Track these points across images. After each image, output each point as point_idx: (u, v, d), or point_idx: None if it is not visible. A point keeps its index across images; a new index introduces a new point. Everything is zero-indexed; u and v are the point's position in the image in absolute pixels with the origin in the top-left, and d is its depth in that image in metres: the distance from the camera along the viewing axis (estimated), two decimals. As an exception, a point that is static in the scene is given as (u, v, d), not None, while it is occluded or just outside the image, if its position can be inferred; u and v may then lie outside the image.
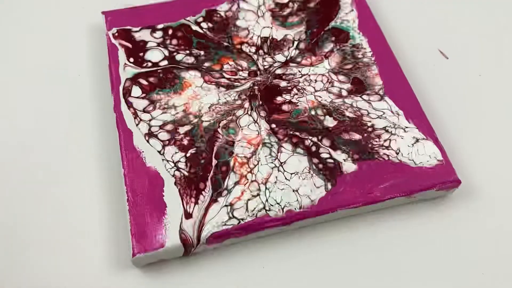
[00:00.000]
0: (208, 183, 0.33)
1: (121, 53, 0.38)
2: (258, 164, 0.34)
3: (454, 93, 0.41)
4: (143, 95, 0.36)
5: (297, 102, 0.37)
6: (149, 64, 0.38)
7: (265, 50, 0.39)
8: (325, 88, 0.38)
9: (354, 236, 0.34)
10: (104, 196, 0.35)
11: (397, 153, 0.34)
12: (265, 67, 0.39)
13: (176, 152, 0.34)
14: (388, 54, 0.39)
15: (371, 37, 0.40)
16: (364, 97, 0.37)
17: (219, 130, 0.35)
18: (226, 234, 0.31)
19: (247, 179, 0.33)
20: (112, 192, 0.35)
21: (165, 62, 0.38)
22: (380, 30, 0.41)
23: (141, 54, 0.38)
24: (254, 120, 0.36)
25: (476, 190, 0.36)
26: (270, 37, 0.40)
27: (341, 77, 0.38)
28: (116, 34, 0.39)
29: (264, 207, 0.32)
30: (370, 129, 0.36)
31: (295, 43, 0.40)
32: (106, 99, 0.39)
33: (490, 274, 0.33)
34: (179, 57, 0.38)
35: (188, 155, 0.34)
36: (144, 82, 0.37)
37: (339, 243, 0.33)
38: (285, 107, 0.36)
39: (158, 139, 0.34)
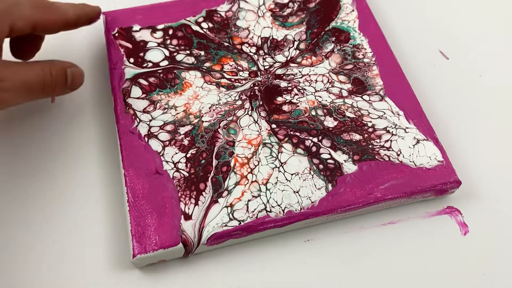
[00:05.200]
0: (209, 183, 0.33)
1: (121, 53, 0.38)
2: (258, 164, 0.34)
3: (454, 94, 0.41)
4: (143, 95, 0.36)
5: (298, 103, 0.37)
6: (150, 64, 0.38)
7: (266, 50, 0.39)
8: (326, 89, 0.37)
9: (354, 237, 0.34)
10: (104, 197, 0.35)
11: (398, 155, 0.34)
12: (266, 67, 0.38)
13: (176, 153, 0.34)
14: (389, 55, 0.39)
15: (371, 37, 0.40)
16: (365, 97, 0.37)
17: (220, 130, 0.35)
18: (226, 235, 0.31)
19: (248, 180, 0.33)
20: (112, 193, 0.35)
21: (165, 63, 0.38)
22: (381, 31, 0.41)
23: (141, 54, 0.38)
24: (254, 120, 0.36)
25: (476, 190, 0.36)
26: (271, 37, 0.40)
27: (342, 77, 0.38)
28: (116, 34, 0.39)
29: (265, 208, 0.32)
30: (370, 130, 0.36)
31: (296, 43, 0.40)
32: (106, 99, 0.39)
33: (490, 274, 0.33)
34: (179, 57, 0.38)
35: (188, 155, 0.34)
36: (144, 82, 0.37)
37: (340, 243, 0.33)
38: (285, 108, 0.36)
39: (158, 139, 0.34)
